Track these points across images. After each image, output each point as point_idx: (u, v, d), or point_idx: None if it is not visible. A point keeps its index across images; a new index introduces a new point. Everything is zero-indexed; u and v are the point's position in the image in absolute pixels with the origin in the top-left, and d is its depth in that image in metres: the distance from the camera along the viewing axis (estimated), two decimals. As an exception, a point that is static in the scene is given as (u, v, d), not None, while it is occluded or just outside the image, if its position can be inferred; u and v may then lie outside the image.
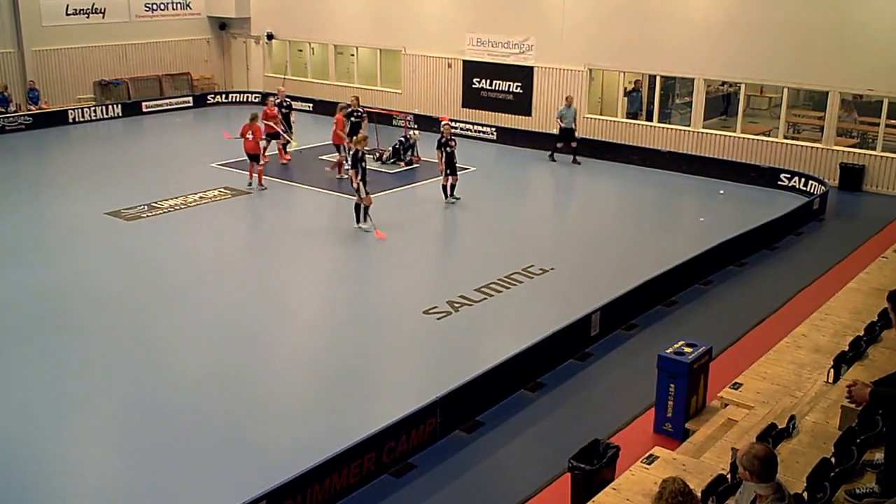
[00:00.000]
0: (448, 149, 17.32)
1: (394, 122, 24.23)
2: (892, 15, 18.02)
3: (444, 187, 17.65)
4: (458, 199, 17.68)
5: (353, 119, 19.83)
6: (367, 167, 15.73)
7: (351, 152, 15.86)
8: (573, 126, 20.69)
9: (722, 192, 18.42)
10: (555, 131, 21.31)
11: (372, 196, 15.69)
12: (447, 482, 8.38)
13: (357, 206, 15.75)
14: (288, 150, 20.72)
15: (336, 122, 19.38)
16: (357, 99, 20.62)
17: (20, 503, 8.03)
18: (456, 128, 22.30)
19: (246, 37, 30.22)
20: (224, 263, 14.25)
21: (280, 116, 20.26)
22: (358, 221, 15.72)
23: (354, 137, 16.55)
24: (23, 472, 8.46)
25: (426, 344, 11.53)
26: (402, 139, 20.92)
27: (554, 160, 21.17)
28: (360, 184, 15.35)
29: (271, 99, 20.70)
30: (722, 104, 24.17)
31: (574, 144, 20.82)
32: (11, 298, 12.66)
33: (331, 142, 19.93)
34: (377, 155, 20.69)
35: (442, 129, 17.51)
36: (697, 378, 8.82)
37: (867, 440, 6.20)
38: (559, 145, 20.98)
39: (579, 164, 20.88)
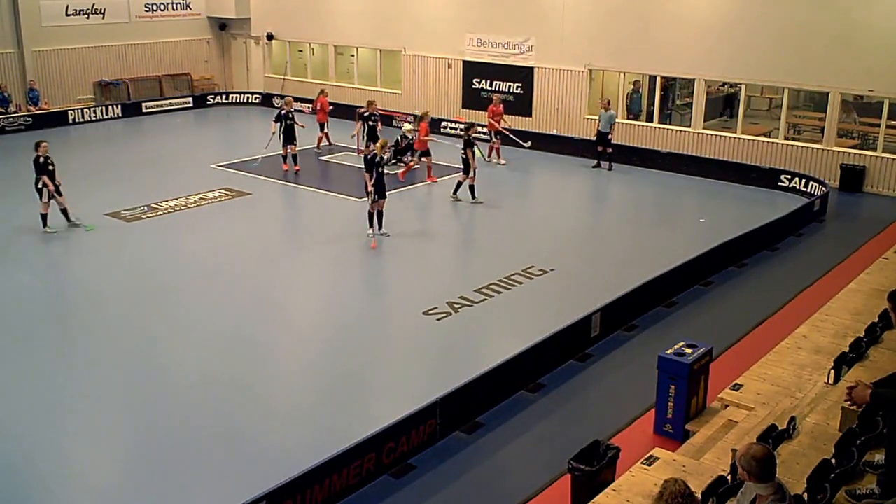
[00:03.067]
0: (474, 148, 17.50)
1: (394, 123, 24.24)
2: (892, 15, 18.02)
3: (472, 187, 17.57)
4: (459, 200, 17.66)
5: (369, 123, 19.98)
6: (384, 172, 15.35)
7: (369, 156, 15.60)
8: (606, 130, 20.23)
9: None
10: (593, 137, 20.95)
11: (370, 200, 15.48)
12: (447, 483, 8.38)
13: (370, 214, 15.37)
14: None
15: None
16: (372, 103, 20.55)
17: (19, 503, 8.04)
18: (456, 129, 22.35)
19: (246, 37, 30.21)
20: (224, 265, 14.23)
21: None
22: (370, 227, 15.34)
23: (378, 142, 16.21)
24: (22, 472, 8.44)
25: (426, 345, 11.51)
26: (399, 137, 20.90)
27: (611, 168, 20.63)
28: (373, 188, 15.08)
29: (427, 115, 19.60)
30: (722, 105, 24.17)
31: (608, 150, 20.45)
32: (11, 299, 12.66)
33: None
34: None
35: (467, 130, 17.55)
36: (698, 379, 8.81)
37: (867, 441, 6.19)
38: (599, 149, 20.65)
39: (609, 170, 20.47)
